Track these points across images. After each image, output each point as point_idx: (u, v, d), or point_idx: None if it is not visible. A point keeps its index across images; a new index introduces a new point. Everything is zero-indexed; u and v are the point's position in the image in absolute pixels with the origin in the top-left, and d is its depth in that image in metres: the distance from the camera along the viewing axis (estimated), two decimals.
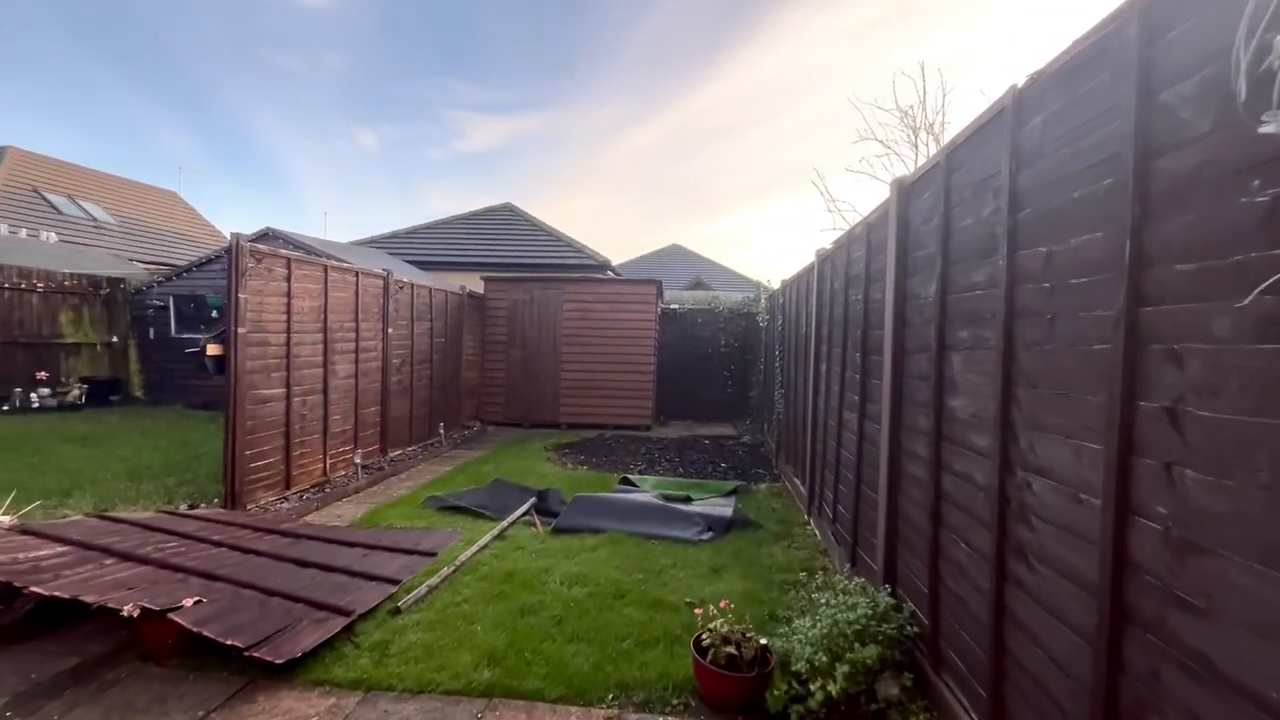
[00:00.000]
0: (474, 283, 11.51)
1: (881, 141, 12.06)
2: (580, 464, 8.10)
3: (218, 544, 4.09)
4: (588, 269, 14.99)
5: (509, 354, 11.10)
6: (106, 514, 4.42)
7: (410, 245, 16.71)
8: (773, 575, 4.42)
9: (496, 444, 9.41)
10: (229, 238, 5.30)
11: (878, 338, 3.70)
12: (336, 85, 43.84)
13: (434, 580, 3.98)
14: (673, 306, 13.09)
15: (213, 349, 5.39)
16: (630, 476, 6.96)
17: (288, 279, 5.98)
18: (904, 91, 17.10)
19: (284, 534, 4.64)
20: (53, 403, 10.43)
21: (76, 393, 10.88)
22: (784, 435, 7.82)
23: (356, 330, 7.18)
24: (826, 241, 5.78)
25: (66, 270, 11.52)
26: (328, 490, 6.34)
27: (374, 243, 16.78)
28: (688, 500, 6.31)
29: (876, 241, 3.87)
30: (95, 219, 20.51)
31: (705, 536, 5.15)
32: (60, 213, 19.62)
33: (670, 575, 4.35)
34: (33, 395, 10.20)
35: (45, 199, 19.69)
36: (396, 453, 8.12)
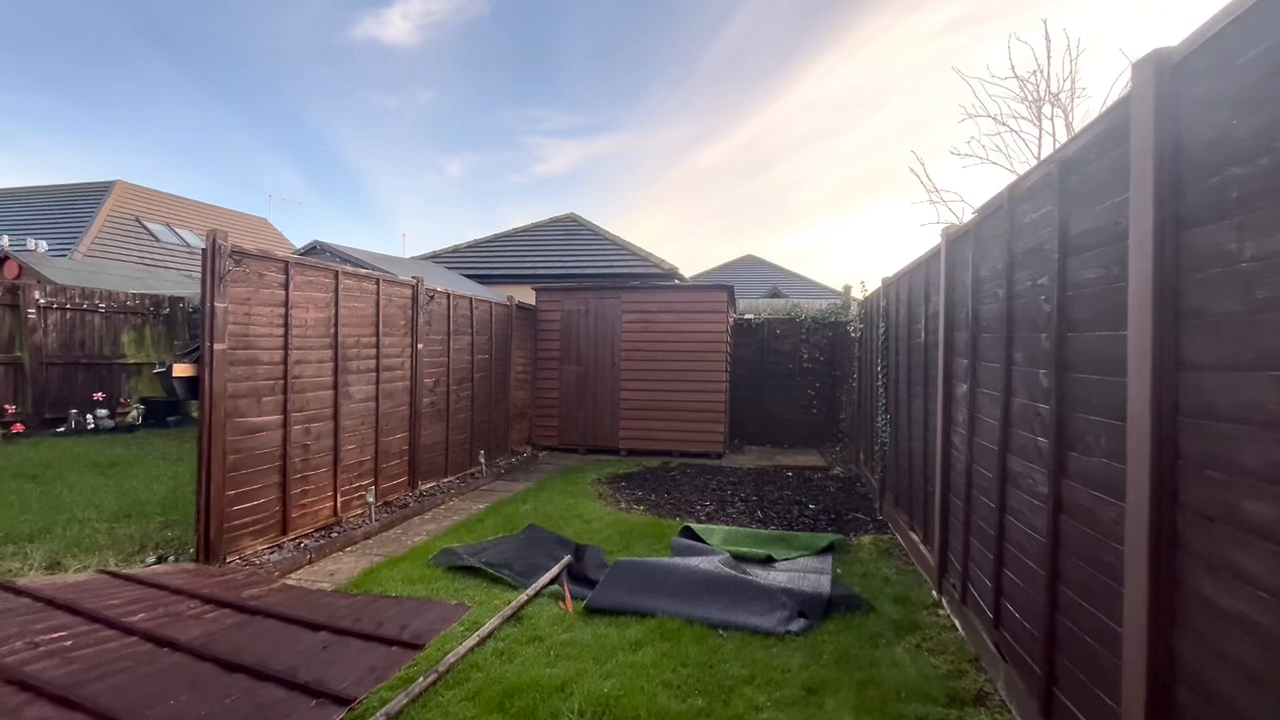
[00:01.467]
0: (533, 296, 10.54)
1: (994, 118, 10.15)
2: (635, 503, 6.77)
3: (129, 629, 3.07)
4: (653, 278, 13.79)
5: (563, 371, 10.00)
6: (11, 583, 3.51)
7: (470, 259, 16.15)
8: (902, 706, 2.91)
9: (544, 475, 8.26)
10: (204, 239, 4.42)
11: (1101, 345, 2.18)
12: (425, 119, 45.56)
13: (400, 701, 2.76)
14: (747, 317, 11.62)
15: (181, 369, 4.51)
16: (693, 525, 5.55)
17: (285, 286, 5.07)
18: (1020, 59, 14.84)
19: (238, 608, 3.59)
20: (110, 424, 10.27)
21: (135, 414, 10.72)
22: (891, 473, 6.19)
23: (378, 346, 6.24)
24: (922, 240, 4.32)
25: (132, 290, 11.52)
26: (334, 535, 5.34)
27: (435, 258, 16.34)
28: (768, 561, 4.85)
29: (1083, 186, 2.35)
30: (188, 244, 21.46)
31: (795, 626, 3.68)
32: (157, 240, 20.66)
33: (743, 699, 2.93)
34: (88, 417, 10.05)
35: (145, 227, 20.79)
36: (428, 485, 7.11)
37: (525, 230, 17.33)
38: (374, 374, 6.21)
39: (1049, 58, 9.13)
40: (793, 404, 11.32)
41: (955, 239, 4.07)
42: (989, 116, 10.55)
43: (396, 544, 5.29)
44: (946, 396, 4.17)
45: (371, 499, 5.75)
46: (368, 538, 5.44)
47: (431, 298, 7.13)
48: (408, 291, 6.79)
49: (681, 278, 14.81)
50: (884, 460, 6.56)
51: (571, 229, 17.05)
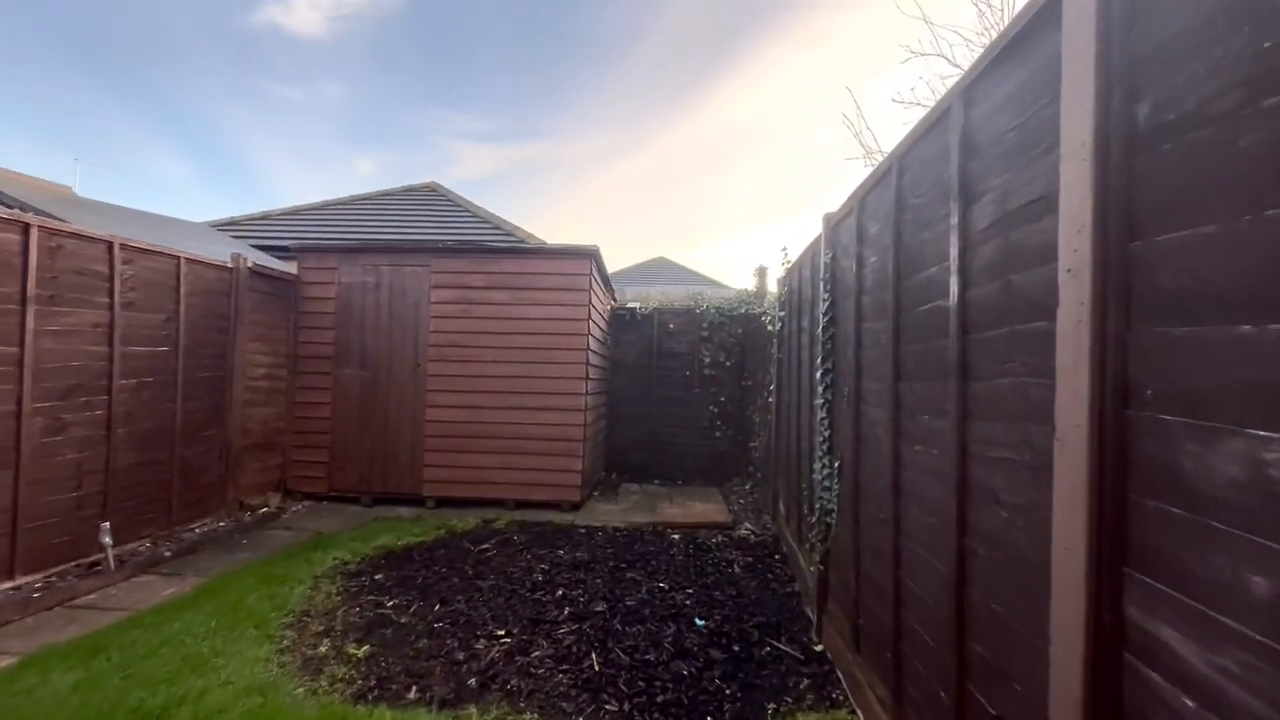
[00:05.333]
0: None
1: (947, 58, 7.67)
2: (359, 637, 3.41)
3: None
4: None
5: (339, 376, 6.48)
6: None
7: (282, 228, 12.18)
8: None
9: (247, 558, 4.72)
10: None
11: None
12: (334, 114, 40.10)
13: None
14: (631, 305, 8.56)
15: None
16: None
17: None
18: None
19: None
20: None
21: None
22: (843, 573, 3.21)
23: None
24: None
25: None
26: None
27: (232, 225, 12.21)
28: None
29: None
30: None
31: None
32: None
33: None
34: None
35: None
36: None
37: (366, 198, 13.58)
38: None
39: None
40: (690, 424, 8.33)
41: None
42: (940, 56, 7.97)
43: None
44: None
45: None
46: None
47: None
48: None
49: None
50: (829, 540, 3.59)
51: (427, 199, 13.50)
